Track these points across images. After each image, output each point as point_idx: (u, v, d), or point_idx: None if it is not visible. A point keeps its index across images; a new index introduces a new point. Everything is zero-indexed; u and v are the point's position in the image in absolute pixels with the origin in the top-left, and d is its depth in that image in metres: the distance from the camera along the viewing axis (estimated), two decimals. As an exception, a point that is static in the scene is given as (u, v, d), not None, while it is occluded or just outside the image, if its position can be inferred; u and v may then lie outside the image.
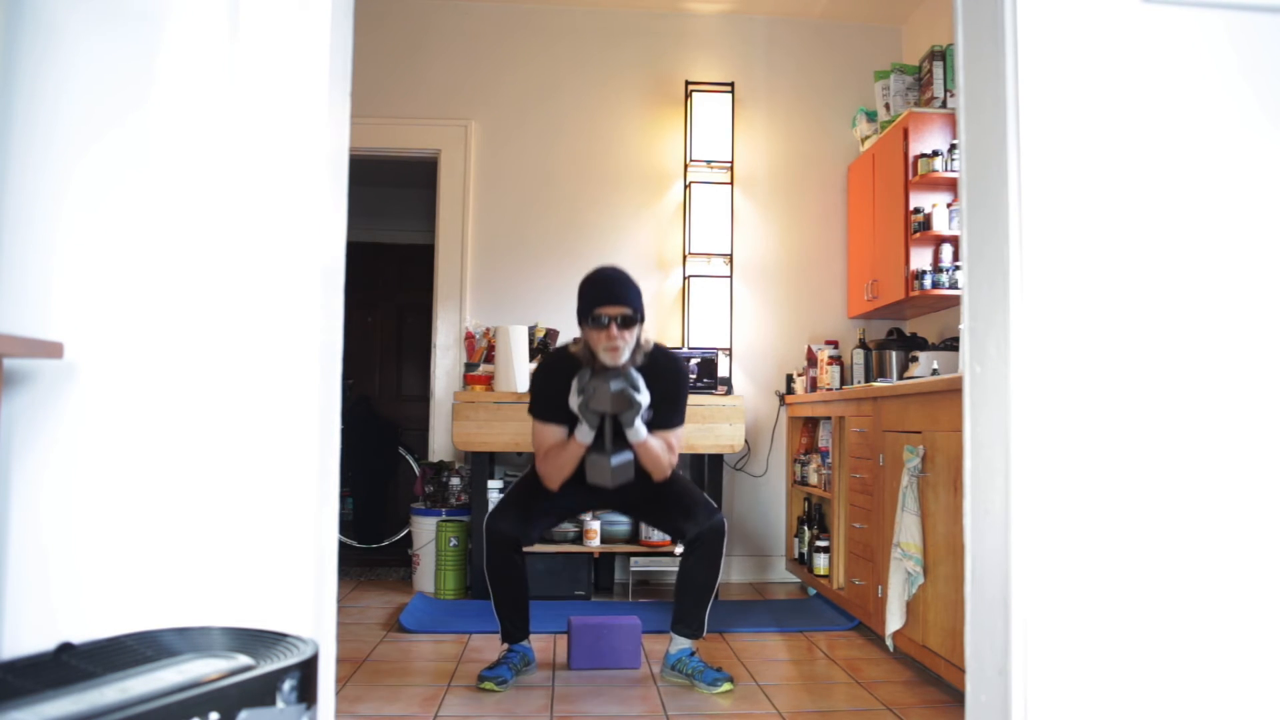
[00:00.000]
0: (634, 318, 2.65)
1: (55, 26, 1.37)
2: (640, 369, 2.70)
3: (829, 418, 4.02)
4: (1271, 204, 1.52)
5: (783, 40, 4.84)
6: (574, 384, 2.67)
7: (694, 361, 4.24)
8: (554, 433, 2.76)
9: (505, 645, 2.84)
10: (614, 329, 2.62)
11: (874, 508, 3.29)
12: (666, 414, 2.77)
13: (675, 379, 2.81)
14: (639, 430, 2.67)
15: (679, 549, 2.92)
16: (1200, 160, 1.52)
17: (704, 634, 2.87)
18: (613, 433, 2.68)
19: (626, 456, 2.69)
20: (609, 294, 2.65)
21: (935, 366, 3.72)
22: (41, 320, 1.35)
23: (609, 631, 2.96)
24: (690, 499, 2.86)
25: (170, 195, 1.38)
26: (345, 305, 1.53)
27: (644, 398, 2.64)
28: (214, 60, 1.39)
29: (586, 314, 2.66)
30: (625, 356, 2.65)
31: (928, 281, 3.92)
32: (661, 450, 2.75)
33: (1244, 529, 1.47)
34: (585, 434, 2.68)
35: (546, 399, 2.77)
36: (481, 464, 4.05)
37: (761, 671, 2.95)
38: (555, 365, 2.79)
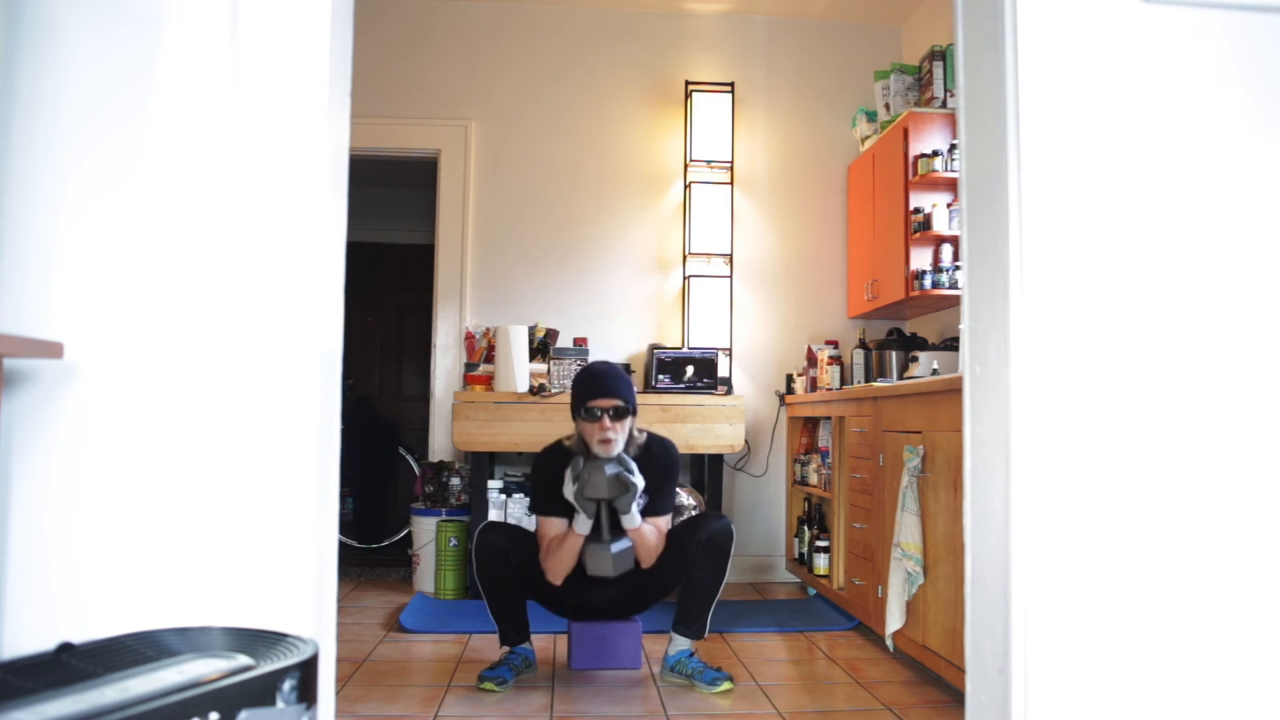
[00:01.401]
0: (626, 409, 2.72)
1: (57, 27, 1.37)
2: (636, 457, 2.77)
3: (829, 418, 4.02)
4: (1271, 204, 1.52)
5: (783, 40, 4.84)
6: (567, 473, 2.71)
7: (694, 363, 4.24)
8: (557, 525, 2.79)
9: (506, 647, 2.85)
10: (606, 421, 2.70)
11: (874, 508, 3.29)
12: (656, 501, 2.81)
13: (667, 466, 2.85)
14: (634, 517, 2.70)
15: None
16: (1200, 160, 1.52)
17: (705, 635, 2.87)
18: (610, 521, 2.71)
19: (626, 544, 2.71)
20: (601, 388, 2.73)
21: (935, 366, 3.72)
22: (41, 320, 1.35)
23: (611, 632, 2.96)
24: (689, 524, 2.84)
25: (170, 195, 1.38)
26: (345, 305, 1.53)
27: (639, 481, 2.68)
28: (214, 60, 1.39)
29: (579, 407, 2.74)
30: (618, 448, 2.71)
31: (928, 281, 3.92)
32: (652, 535, 2.77)
33: (1244, 528, 1.47)
34: (583, 524, 2.70)
35: (545, 491, 2.80)
36: (481, 464, 4.05)
37: (761, 671, 2.95)
38: (551, 459, 2.84)
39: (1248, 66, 1.54)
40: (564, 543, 2.73)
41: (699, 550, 2.79)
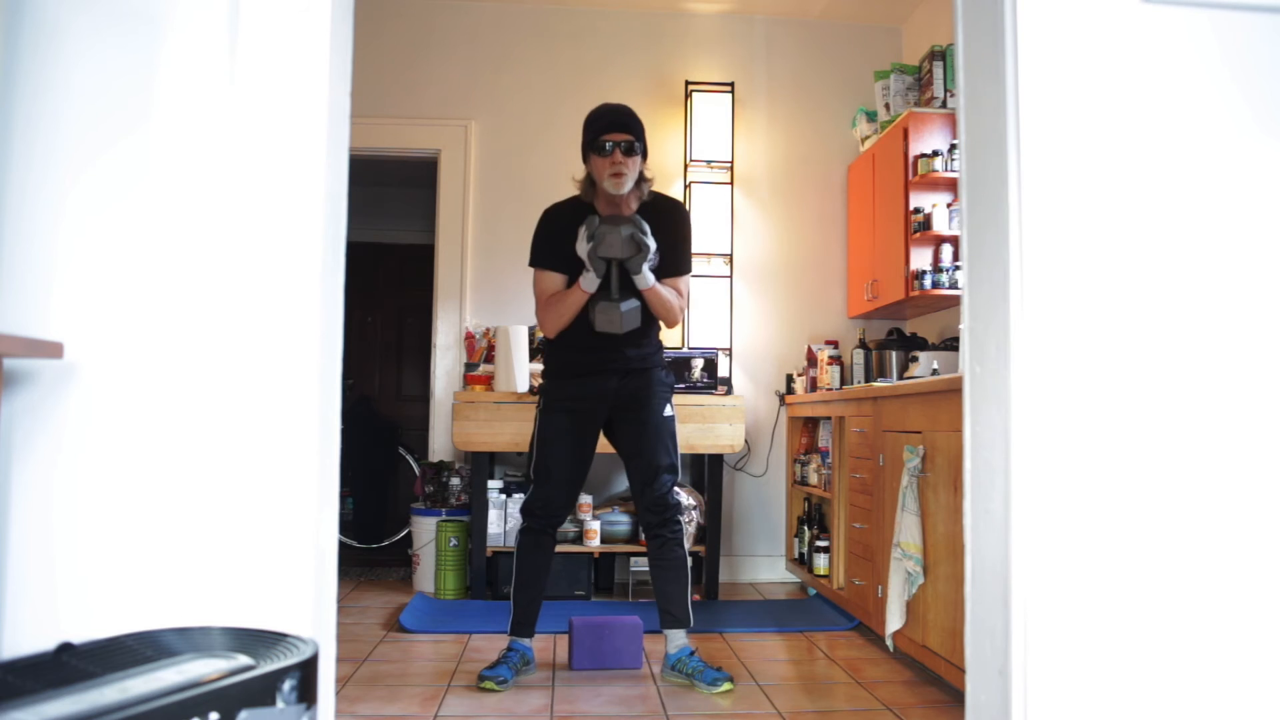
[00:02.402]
0: (635, 145, 2.69)
1: (60, 28, 1.37)
2: (642, 212, 2.73)
3: (829, 418, 4.02)
4: (1271, 204, 1.52)
5: (782, 40, 4.84)
6: (581, 231, 2.66)
7: (694, 363, 4.24)
8: (555, 280, 2.76)
9: (506, 643, 2.85)
10: (618, 155, 2.67)
11: (874, 508, 3.29)
12: (673, 261, 2.78)
13: (677, 223, 2.83)
14: (647, 277, 2.68)
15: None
16: (1200, 160, 1.52)
17: (692, 622, 2.86)
18: (620, 280, 2.68)
19: (634, 303, 2.69)
20: (612, 121, 2.70)
21: (935, 366, 3.72)
22: (41, 320, 1.35)
23: (611, 632, 2.96)
24: (659, 462, 2.82)
25: (171, 194, 1.38)
26: (345, 305, 1.53)
27: (652, 242, 2.65)
28: (214, 60, 1.39)
29: (591, 142, 2.71)
30: (629, 185, 2.68)
31: (928, 281, 3.92)
32: (671, 296, 2.76)
33: (1244, 528, 1.47)
34: (590, 282, 2.67)
35: (549, 245, 2.77)
36: (481, 464, 4.05)
37: (761, 671, 2.95)
38: (560, 212, 2.81)
39: (1247, 66, 1.54)
40: (568, 298, 2.72)
41: (649, 535, 2.85)
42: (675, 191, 4.71)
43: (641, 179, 2.76)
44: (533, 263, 2.84)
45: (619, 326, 2.67)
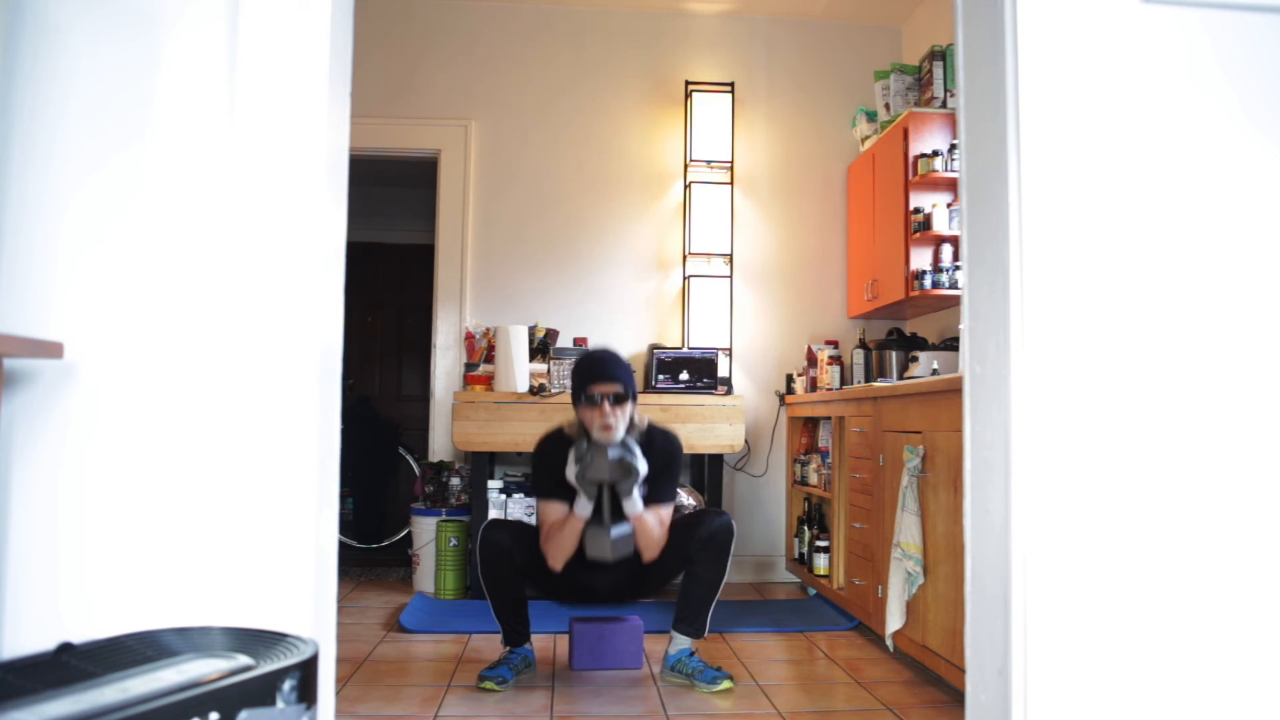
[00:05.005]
0: (625, 395, 2.72)
1: (61, 29, 1.37)
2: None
3: (829, 418, 4.02)
4: (1272, 204, 1.52)
5: (783, 40, 4.84)
6: (571, 455, 2.71)
7: (694, 363, 4.24)
8: (557, 509, 2.78)
9: (506, 647, 2.85)
10: (606, 406, 2.69)
11: (874, 508, 3.29)
12: (659, 490, 2.81)
13: (669, 455, 2.85)
14: (636, 502, 2.71)
15: None
16: (1200, 160, 1.52)
17: (705, 634, 2.87)
18: (611, 505, 2.70)
19: (626, 529, 2.70)
20: (601, 373, 2.73)
21: (935, 366, 3.72)
22: (41, 320, 1.35)
23: (611, 632, 2.96)
24: (689, 521, 2.85)
25: (171, 194, 1.38)
26: (345, 305, 1.53)
27: (642, 465, 2.68)
28: (214, 59, 1.39)
29: (580, 393, 2.74)
30: (619, 435, 2.71)
31: (928, 281, 3.92)
32: (655, 525, 2.76)
33: (1244, 528, 1.47)
34: (584, 507, 2.70)
35: (547, 475, 2.80)
36: (481, 464, 4.05)
37: (761, 671, 2.95)
38: (552, 443, 2.84)
39: (1246, 66, 1.54)
40: (564, 526, 2.73)
41: (699, 547, 2.79)
42: (675, 191, 4.71)
43: (632, 422, 2.79)
44: (534, 492, 2.89)
45: (608, 554, 2.67)
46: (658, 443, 2.84)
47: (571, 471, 2.69)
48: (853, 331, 4.66)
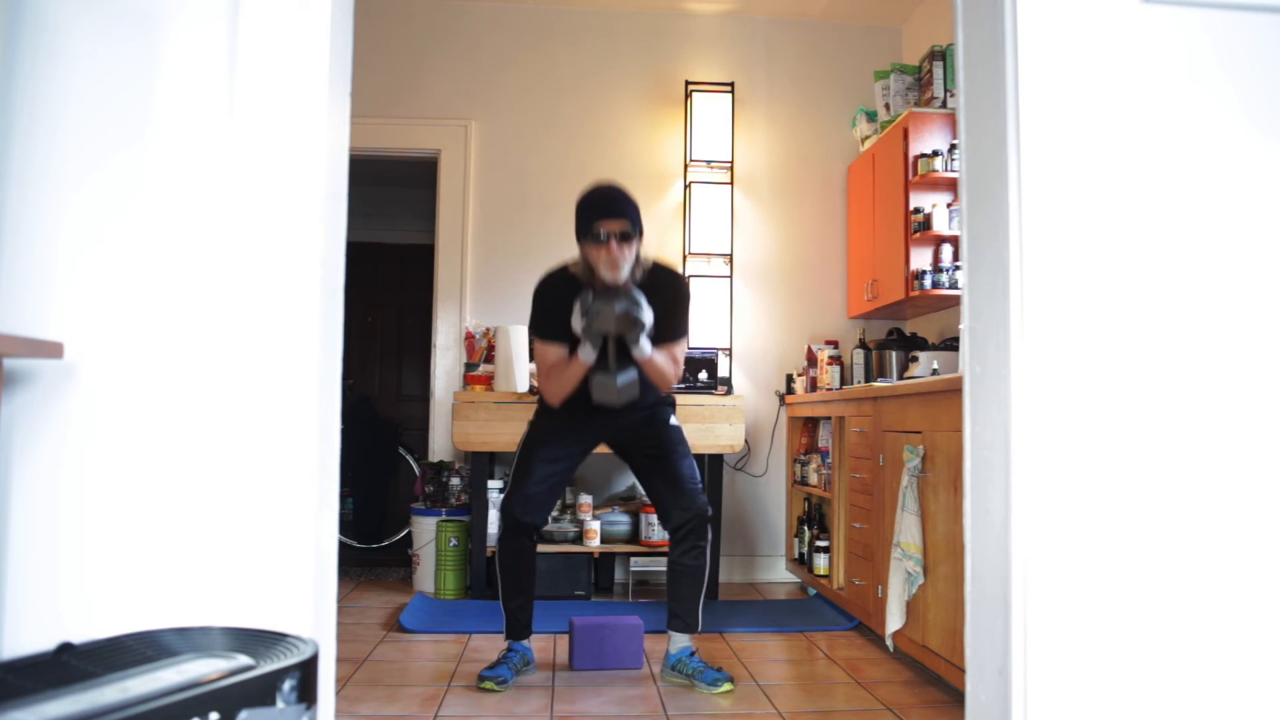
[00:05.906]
0: (632, 232, 2.63)
1: (60, 29, 1.37)
2: (640, 285, 2.67)
3: (829, 418, 4.02)
4: (1272, 204, 1.52)
5: (783, 40, 4.84)
6: (576, 306, 2.63)
7: (694, 363, 4.24)
8: (556, 352, 2.73)
9: (505, 645, 2.85)
10: (613, 244, 2.60)
11: (874, 508, 3.29)
12: (669, 328, 2.74)
13: (676, 293, 2.79)
14: (644, 348, 2.64)
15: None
16: (1201, 160, 1.52)
17: (699, 628, 2.86)
18: (617, 351, 2.66)
19: (631, 374, 2.66)
20: (607, 209, 2.62)
21: (935, 366, 3.72)
22: (41, 320, 1.35)
23: (611, 632, 2.96)
24: (684, 481, 2.83)
25: (171, 194, 1.38)
26: (345, 305, 1.53)
27: (647, 316, 2.61)
28: (214, 59, 1.39)
29: (585, 230, 2.63)
30: (625, 273, 2.63)
31: (928, 281, 3.92)
32: (666, 364, 2.72)
33: (1243, 527, 1.47)
34: (588, 354, 2.65)
35: (548, 318, 2.74)
36: (481, 464, 4.05)
37: (761, 671, 2.95)
38: (555, 284, 2.76)
39: (1246, 66, 1.54)
40: (567, 369, 2.69)
41: (675, 541, 2.80)
42: (675, 191, 4.71)
43: (638, 259, 2.71)
44: (532, 332, 2.82)
45: (615, 399, 2.64)
46: (663, 281, 2.76)
47: (578, 323, 2.61)
48: (853, 331, 4.66)
